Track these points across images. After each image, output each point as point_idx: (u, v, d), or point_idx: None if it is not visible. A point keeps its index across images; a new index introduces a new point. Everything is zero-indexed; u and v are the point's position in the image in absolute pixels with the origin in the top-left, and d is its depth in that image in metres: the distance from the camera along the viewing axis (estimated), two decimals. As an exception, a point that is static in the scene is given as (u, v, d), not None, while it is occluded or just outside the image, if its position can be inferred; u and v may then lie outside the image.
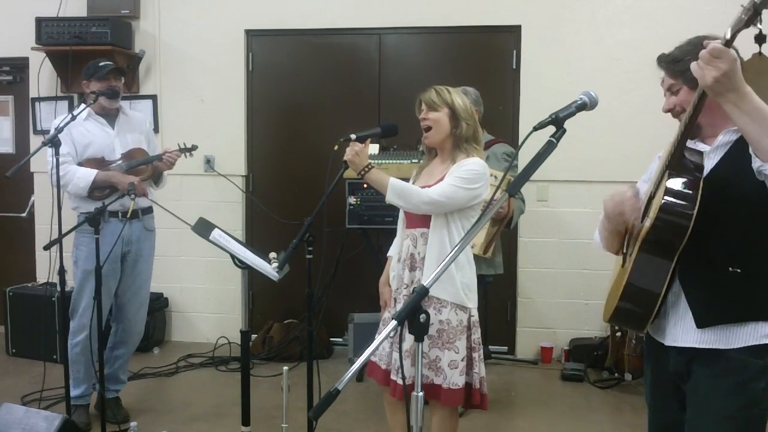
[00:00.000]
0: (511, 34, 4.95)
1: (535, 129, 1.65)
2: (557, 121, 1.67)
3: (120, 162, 3.72)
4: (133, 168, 3.73)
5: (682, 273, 1.81)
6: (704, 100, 1.64)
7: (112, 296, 3.78)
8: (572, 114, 1.71)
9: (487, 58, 5.05)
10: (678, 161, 1.77)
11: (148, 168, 3.78)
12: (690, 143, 1.84)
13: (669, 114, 1.92)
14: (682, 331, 1.82)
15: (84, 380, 3.72)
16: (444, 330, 2.66)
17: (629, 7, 4.76)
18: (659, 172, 1.83)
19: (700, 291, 1.79)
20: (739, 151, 1.74)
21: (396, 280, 2.82)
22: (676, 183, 1.73)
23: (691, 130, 1.74)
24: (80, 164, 3.67)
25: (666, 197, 1.72)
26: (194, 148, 3.91)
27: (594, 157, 4.75)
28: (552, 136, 1.65)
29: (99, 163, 3.71)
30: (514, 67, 4.96)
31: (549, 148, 1.62)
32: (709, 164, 1.80)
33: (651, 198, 1.84)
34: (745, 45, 1.53)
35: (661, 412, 1.99)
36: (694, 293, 1.80)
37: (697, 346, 1.79)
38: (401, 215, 2.89)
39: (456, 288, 2.66)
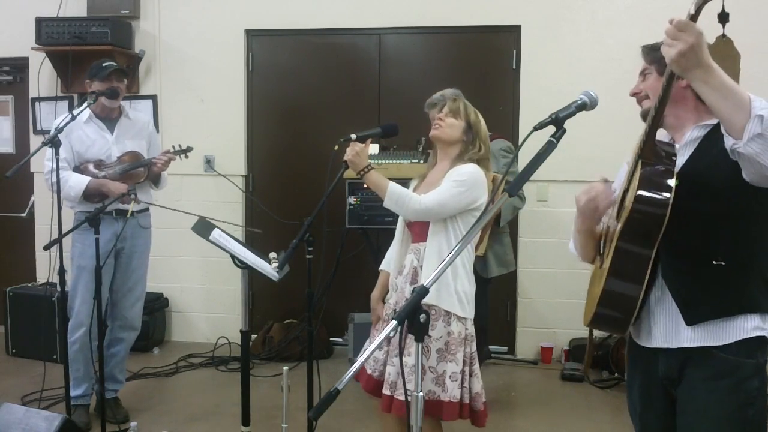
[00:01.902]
0: (511, 34, 4.96)
1: (535, 129, 1.64)
2: (557, 121, 1.66)
3: (114, 168, 3.73)
4: (127, 172, 3.73)
5: (665, 269, 1.77)
6: (673, 81, 1.61)
7: (107, 293, 3.78)
8: (572, 114, 1.70)
9: (487, 58, 5.05)
10: (650, 149, 1.74)
11: (143, 171, 3.78)
12: (660, 136, 1.83)
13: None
14: (674, 331, 1.77)
15: (84, 379, 3.72)
16: (449, 342, 2.62)
17: (629, 7, 4.76)
18: (632, 164, 1.81)
19: (685, 287, 1.75)
20: (710, 144, 1.73)
21: (395, 293, 2.78)
22: (650, 171, 1.71)
23: (661, 115, 1.71)
24: (77, 167, 3.68)
25: (641, 186, 1.69)
26: (189, 149, 3.89)
27: (594, 157, 4.73)
28: (552, 136, 1.64)
29: (97, 165, 3.72)
30: (514, 67, 4.96)
31: (549, 148, 1.62)
32: (680, 160, 1.78)
33: (625, 193, 1.82)
34: (708, 30, 1.52)
35: (652, 419, 1.93)
36: (679, 290, 1.76)
37: (690, 345, 1.74)
38: (400, 228, 2.87)
39: (453, 297, 2.61)
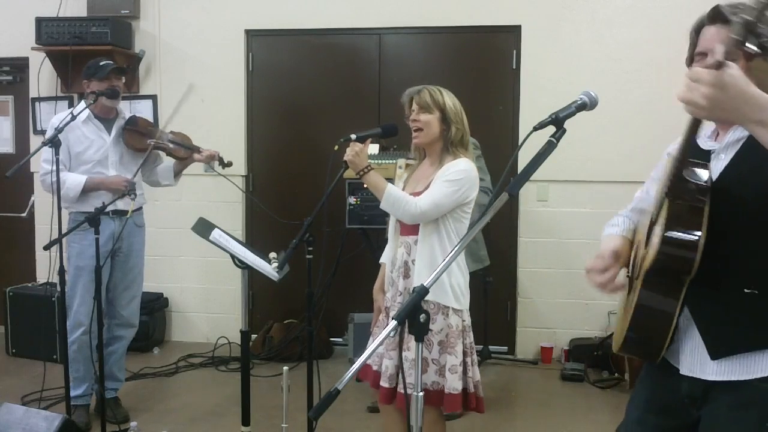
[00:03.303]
0: (511, 34, 4.95)
1: (535, 129, 1.62)
2: (557, 121, 1.65)
3: (169, 135, 3.90)
4: (179, 146, 3.89)
5: (690, 298, 1.59)
6: (698, 125, 1.47)
7: (104, 292, 3.77)
8: (572, 114, 1.69)
9: (487, 58, 5.05)
10: (678, 186, 1.56)
11: (188, 152, 3.91)
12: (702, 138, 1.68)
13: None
14: (700, 362, 1.60)
15: (84, 379, 3.72)
16: (449, 334, 2.64)
17: (629, 7, 4.76)
18: (660, 196, 1.62)
19: (712, 318, 1.59)
20: (752, 149, 1.49)
21: (391, 288, 2.80)
22: (677, 211, 1.54)
23: (687, 152, 1.52)
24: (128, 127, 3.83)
25: (669, 226, 1.53)
26: (229, 164, 4.00)
27: (594, 157, 4.75)
28: (552, 136, 1.63)
29: (147, 123, 3.88)
30: (514, 67, 4.96)
31: (549, 148, 1.61)
32: (718, 166, 1.59)
33: (653, 224, 1.64)
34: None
35: (651, 427, 1.76)
36: (705, 320, 1.60)
37: (715, 379, 1.58)
38: (392, 222, 2.86)
39: (448, 292, 2.64)
